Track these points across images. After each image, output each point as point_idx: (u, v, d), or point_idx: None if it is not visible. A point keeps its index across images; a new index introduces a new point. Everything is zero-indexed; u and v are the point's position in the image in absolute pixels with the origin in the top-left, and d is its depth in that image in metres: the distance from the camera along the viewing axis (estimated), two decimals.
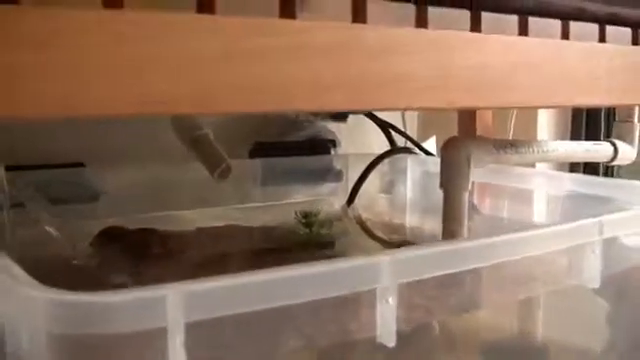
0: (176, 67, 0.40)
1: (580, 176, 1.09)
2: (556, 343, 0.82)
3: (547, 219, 1.02)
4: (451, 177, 0.93)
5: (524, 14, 0.61)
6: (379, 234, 1.00)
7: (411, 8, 0.52)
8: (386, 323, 0.52)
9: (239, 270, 0.77)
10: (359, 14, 0.48)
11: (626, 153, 1.16)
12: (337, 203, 1.15)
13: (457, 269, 0.56)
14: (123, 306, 0.41)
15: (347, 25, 0.48)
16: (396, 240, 0.98)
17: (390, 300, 0.52)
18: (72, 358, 0.42)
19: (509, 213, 1.08)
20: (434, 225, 1.01)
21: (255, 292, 0.46)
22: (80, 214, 0.87)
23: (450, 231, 0.93)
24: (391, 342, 0.52)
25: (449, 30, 0.54)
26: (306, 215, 0.87)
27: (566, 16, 0.64)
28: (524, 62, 0.60)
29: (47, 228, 0.70)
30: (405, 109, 0.49)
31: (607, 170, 1.37)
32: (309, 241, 0.86)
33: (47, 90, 0.36)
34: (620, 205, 0.94)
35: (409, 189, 1.17)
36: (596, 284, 0.69)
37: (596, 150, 1.13)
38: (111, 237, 0.77)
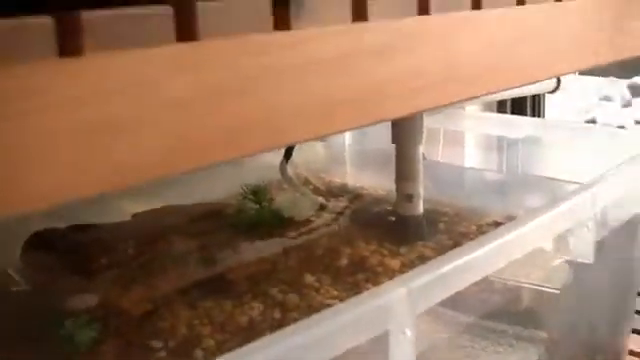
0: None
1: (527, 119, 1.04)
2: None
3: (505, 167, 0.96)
4: (405, 131, 0.86)
5: None
6: (326, 200, 0.93)
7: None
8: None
9: (200, 267, 0.70)
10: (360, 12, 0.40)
11: (567, 80, 1.12)
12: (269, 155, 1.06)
13: (467, 283, 0.49)
14: None
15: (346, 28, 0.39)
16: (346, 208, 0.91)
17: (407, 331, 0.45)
18: None
19: (458, 160, 1.02)
20: (380, 182, 0.95)
21: None
22: None
23: (406, 195, 0.86)
24: None
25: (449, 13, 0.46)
26: (255, 192, 0.79)
27: None
28: (524, 35, 0.53)
29: None
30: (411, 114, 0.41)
31: (534, 109, 1.33)
32: (261, 220, 0.78)
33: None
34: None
35: (347, 134, 1.09)
36: (590, 259, 0.65)
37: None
38: (43, 246, 0.67)
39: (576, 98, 3.38)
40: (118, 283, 0.64)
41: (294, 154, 1.04)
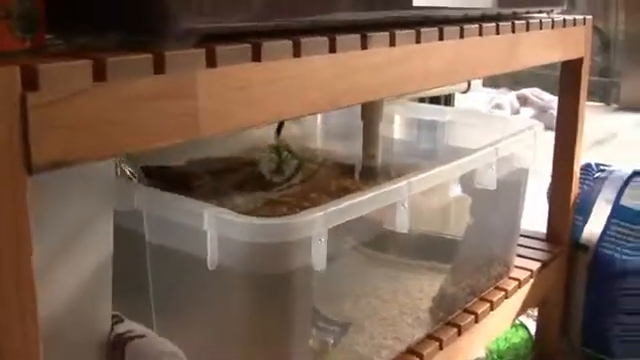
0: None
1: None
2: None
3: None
4: (370, 110, 1.28)
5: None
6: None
7: None
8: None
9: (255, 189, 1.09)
10: None
11: (476, 85, 1.57)
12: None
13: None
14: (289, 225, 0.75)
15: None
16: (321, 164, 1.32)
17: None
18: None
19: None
20: (345, 148, 1.36)
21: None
22: None
23: (370, 154, 1.28)
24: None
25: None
26: (276, 147, 1.20)
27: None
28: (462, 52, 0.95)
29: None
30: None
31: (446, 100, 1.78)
32: (281, 165, 1.19)
33: None
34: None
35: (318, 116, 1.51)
36: (494, 187, 1.08)
37: None
38: (149, 175, 1.05)
39: (474, 106, 3.88)
40: (209, 195, 1.04)
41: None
